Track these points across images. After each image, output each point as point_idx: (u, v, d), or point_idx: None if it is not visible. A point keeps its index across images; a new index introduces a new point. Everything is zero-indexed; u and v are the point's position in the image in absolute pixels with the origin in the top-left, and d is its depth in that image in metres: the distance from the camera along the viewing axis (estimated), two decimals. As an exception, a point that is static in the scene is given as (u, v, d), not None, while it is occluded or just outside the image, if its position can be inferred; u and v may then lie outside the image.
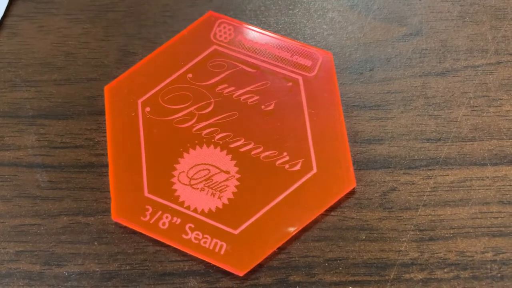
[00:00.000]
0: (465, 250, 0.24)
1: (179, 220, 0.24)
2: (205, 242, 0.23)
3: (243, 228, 0.24)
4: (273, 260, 0.24)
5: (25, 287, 0.23)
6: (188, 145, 0.25)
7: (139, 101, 0.26)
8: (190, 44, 0.27)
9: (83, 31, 0.28)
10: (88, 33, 0.28)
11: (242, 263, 0.23)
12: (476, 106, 0.26)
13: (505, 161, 0.25)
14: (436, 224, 0.24)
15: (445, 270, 0.23)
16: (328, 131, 0.25)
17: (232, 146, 0.25)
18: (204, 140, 0.25)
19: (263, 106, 0.26)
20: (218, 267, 0.23)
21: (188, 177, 0.24)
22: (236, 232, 0.24)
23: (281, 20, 0.28)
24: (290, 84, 0.26)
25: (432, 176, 0.25)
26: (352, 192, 0.25)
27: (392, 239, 0.24)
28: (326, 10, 0.28)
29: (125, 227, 0.24)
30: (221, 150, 0.25)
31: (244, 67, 0.26)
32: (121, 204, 0.24)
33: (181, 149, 0.25)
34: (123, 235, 0.24)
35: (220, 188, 0.24)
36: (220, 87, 0.26)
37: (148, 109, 0.26)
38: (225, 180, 0.24)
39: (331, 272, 0.24)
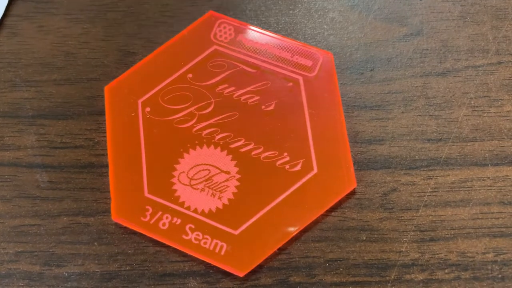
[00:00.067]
0: (466, 251, 0.24)
1: (179, 221, 0.24)
2: (205, 243, 0.23)
3: (244, 228, 0.24)
4: (273, 261, 0.24)
5: (25, 288, 0.23)
6: (188, 145, 0.25)
7: (139, 101, 0.26)
8: (190, 44, 0.27)
9: (83, 31, 0.28)
10: (88, 33, 0.28)
11: (242, 263, 0.23)
12: (477, 107, 0.26)
13: (506, 161, 0.25)
14: (437, 224, 0.24)
15: (446, 270, 0.23)
16: (328, 132, 0.25)
17: (232, 146, 0.25)
18: (204, 140, 0.25)
19: (263, 106, 0.26)
20: (219, 268, 0.23)
21: (188, 178, 0.24)
22: (237, 232, 0.23)
23: (282, 20, 0.28)
24: (291, 84, 0.26)
25: (433, 176, 0.25)
26: (353, 193, 0.25)
27: (392, 240, 0.24)
28: (326, 10, 0.28)
29: (125, 227, 0.24)
30: (221, 150, 0.25)
31: (244, 67, 0.26)
32: (121, 204, 0.24)
33: (181, 150, 0.25)
34: (123, 235, 0.24)
35: (220, 189, 0.24)
36: (221, 87, 0.26)
37: (148, 109, 0.26)
38: (225, 181, 0.24)
39: (332, 272, 0.23)
